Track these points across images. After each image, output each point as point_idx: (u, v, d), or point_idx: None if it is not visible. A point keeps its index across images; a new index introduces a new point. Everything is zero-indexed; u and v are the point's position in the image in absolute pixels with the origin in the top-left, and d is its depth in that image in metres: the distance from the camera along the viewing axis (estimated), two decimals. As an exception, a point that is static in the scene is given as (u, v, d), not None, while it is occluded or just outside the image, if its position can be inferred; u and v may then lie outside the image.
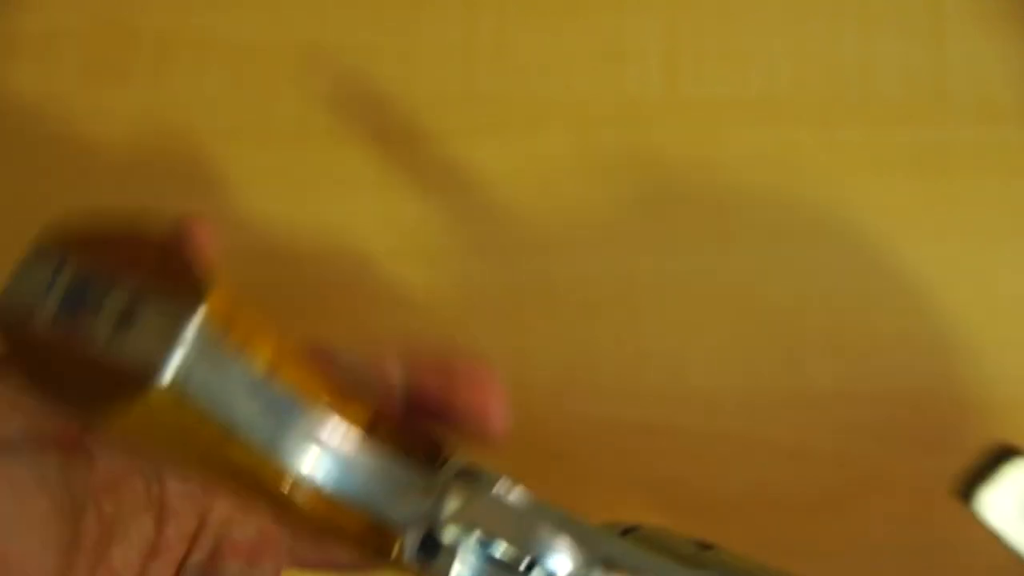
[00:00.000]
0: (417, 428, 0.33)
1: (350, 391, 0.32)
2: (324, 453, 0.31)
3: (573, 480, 0.46)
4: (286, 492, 0.31)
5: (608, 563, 0.31)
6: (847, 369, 0.49)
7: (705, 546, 0.33)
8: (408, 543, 0.31)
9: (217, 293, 0.29)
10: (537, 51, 0.50)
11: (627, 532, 0.33)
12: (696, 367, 0.49)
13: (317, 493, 0.31)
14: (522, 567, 0.31)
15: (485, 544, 0.31)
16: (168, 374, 0.28)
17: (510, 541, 0.31)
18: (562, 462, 0.47)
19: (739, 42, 0.50)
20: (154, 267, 0.29)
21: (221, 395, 0.29)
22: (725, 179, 0.49)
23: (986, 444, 0.35)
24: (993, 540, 0.48)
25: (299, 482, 0.31)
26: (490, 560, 0.31)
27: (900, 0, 0.50)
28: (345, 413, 0.32)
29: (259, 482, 0.30)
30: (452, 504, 0.31)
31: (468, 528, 0.31)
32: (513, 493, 0.32)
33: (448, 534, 0.31)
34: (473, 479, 0.32)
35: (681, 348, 0.48)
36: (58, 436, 0.30)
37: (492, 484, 0.32)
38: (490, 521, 0.31)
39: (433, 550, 0.31)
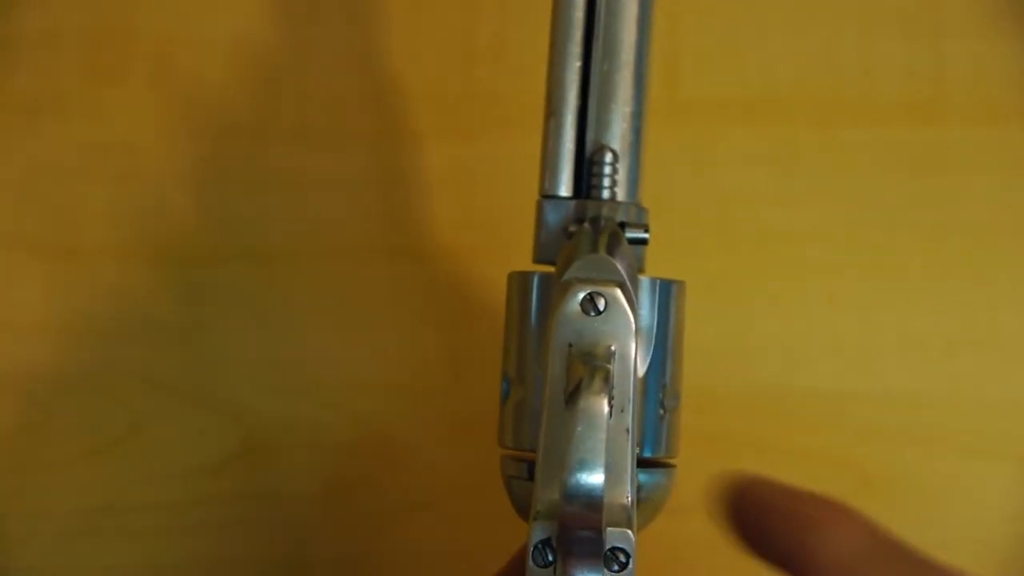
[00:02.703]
0: None
1: None
2: None
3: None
4: None
5: None
6: (847, 369, 0.49)
7: None
8: None
9: None
10: (537, 51, 0.50)
11: None
12: (696, 366, 0.49)
13: None
14: None
15: None
16: None
17: None
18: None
19: (739, 42, 0.50)
20: None
21: None
22: (725, 179, 0.49)
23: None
24: (992, 542, 0.48)
25: None
26: None
27: (900, 0, 0.50)
28: None
29: None
30: None
31: None
32: None
33: None
34: None
35: (681, 348, 0.48)
36: None
37: None
38: None
39: None
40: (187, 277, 0.48)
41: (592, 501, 0.30)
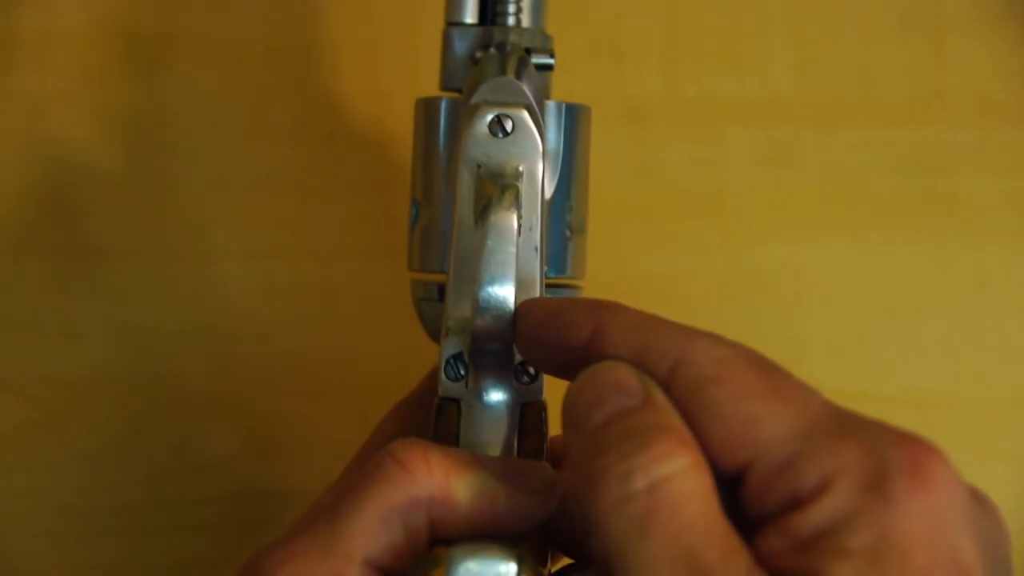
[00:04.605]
0: None
1: None
2: None
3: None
4: None
5: None
6: (847, 369, 0.49)
7: None
8: None
9: None
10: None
11: None
12: (696, 367, 0.49)
13: None
14: None
15: None
16: None
17: None
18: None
19: (739, 42, 0.50)
20: None
21: None
22: (725, 179, 0.49)
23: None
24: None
25: None
26: None
27: (900, 0, 0.50)
28: None
29: None
30: None
31: None
32: None
33: None
34: None
35: (681, 348, 0.48)
36: None
37: None
38: None
39: None
40: (187, 276, 0.48)
41: (503, 314, 0.31)
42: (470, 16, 0.37)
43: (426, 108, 0.37)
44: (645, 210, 0.49)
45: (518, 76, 0.34)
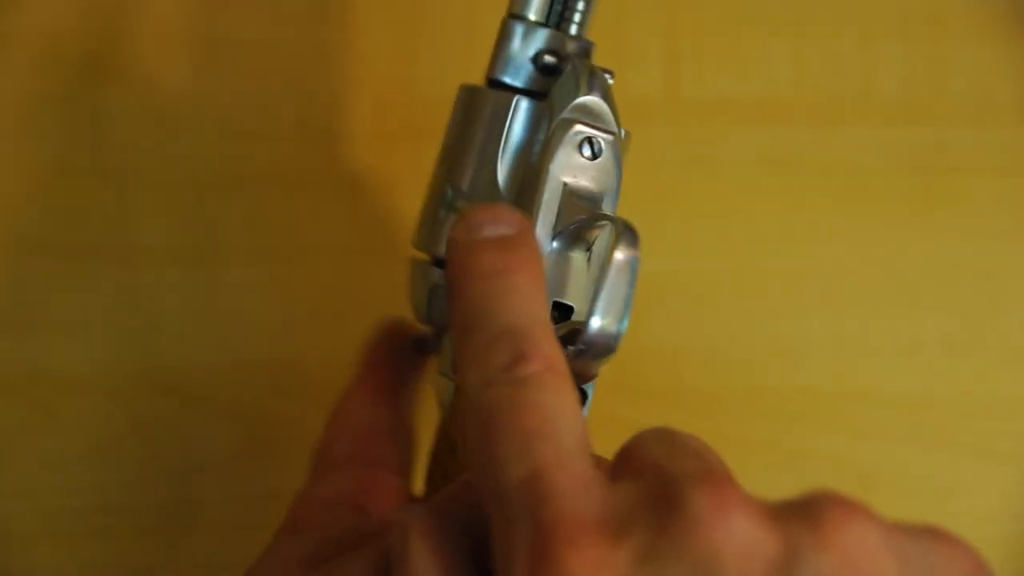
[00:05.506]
0: None
1: None
2: None
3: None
4: None
5: None
6: (847, 369, 0.49)
7: None
8: None
9: None
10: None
11: None
12: (696, 367, 0.49)
13: None
14: None
15: None
16: None
17: None
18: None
19: (739, 42, 0.50)
20: None
21: None
22: (725, 179, 0.49)
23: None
24: (992, 542, 0.48)
25: None
26: None
27: (900, 0, 0.50)
28: None
29: None
30: None
31: None
32: None
33: None
34: None
35: (681, 348, 0.48)
36: None
37: None
38: None
39: None
40: (188, 276, 0.48)
41: (610, 348, 0.31)
42: (534, 13, 0.37)
43: (495, 101, 0.36)
44: (645, 210, 0.49)
45: (605, 98, 0.34)
